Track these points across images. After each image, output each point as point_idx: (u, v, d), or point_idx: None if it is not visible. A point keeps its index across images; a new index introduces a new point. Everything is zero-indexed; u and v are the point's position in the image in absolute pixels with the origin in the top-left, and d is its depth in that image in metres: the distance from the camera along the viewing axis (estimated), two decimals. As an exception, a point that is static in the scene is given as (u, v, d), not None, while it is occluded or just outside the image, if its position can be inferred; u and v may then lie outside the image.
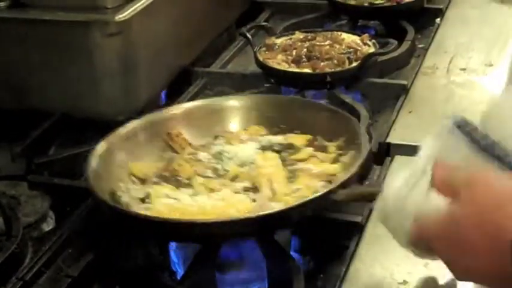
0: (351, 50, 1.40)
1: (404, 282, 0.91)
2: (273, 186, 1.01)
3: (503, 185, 0.72)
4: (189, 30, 1.47)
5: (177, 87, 1.44)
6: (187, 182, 1.05)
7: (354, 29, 1.57)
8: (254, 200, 0.99)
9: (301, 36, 1.47)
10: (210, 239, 0.95)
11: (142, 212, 0.97)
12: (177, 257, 1.02)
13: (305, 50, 1.41)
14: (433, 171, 0.78)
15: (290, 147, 1.12)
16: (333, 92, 1.34)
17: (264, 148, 1.12)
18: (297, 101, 1.24)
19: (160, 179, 1.07)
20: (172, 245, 1.02)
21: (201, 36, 1.54)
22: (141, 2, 1.29)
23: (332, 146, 1.11)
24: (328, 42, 1.43)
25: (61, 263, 0.98)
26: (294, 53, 1.41)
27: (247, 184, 1.04)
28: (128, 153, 1.10)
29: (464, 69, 1.44)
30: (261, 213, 0.94)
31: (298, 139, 1.14)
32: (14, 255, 0.96)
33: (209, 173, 1.07)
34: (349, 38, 1.45)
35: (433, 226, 0.75)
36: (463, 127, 0.77)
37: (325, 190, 0.96)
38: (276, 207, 0.96)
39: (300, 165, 1.08)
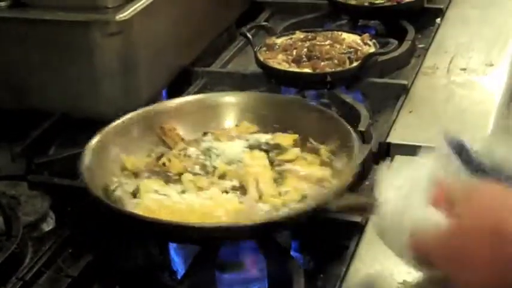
0: (352, 49, 1.40)
1: (405, 282, 0.91)
2: (259, 187, 1.02)
3: (501, 196, 0.72)
4: (189, 30, 1.47)
5: (177, 87, 1.44)
6: (177, 178, 1.05)
7: (354, 29, 1.57)
8: (241, 202, 1.00)
9: (302, 36, 1.47)
10: (208, 242, 0.95)
11: (132, 207, 0.98)
12: (177, 257, 1.02)
13: (305, 49, 1.41)
14: (430, 186, 0.78)
15: (277, 147, 1.11)
16: (333, 92, 1.34)
17: (251, 147, 1.12)
18: (294, 101, 1.24)
19: (150, 173, 1.07)
20: (173, 245, 1.02)
21: (201, 36, 1.54)
22: (142, 2, 1.29)
23: (324, 149, 1.10)
24: (328, 42, 1.43)
25: (61, 263, 0.98)
26: (294, 53, 1.41)
27: (234, 183, 1.04)
28: (121, 147, 1.10)
29: (464, 69, 1.44)
30: (260, 221, 0.94)
31: (284, 139, 1.13)
32: (14, 255, 0.96)
33: (197, 169, 1.07)
34: (349, 38, 1.45)
35: (432, 241, 0.75)
36: (459, 148, 0.78)
37: (324, 198, 0.96)
38: (263, 208, 0.97)
39: (288, 166, 1.07)
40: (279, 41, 1.47)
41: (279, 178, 1.05)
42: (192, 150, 1.11)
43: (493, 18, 1.65)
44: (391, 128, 1.25)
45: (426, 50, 1.54)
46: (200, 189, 1.03)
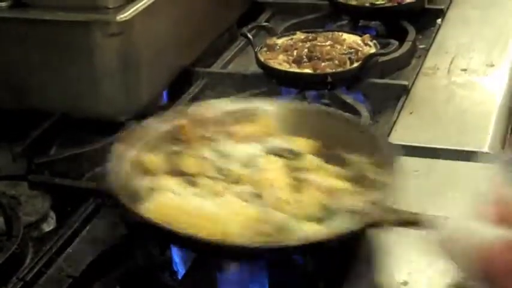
0: (352, 50, 1.40)
1: (405, 283, 0.91)
2: (275, 193, 0.99)
3: None
4: (190, 31, 1.47)
5: (178, 88, 1.45)
6: (193, 179, 1.04)
7: (355, 30, 1.57)
8: (256, 210, 0.97)
9: (302, 37, 1.47)
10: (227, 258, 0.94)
11: (147, 209, 0.96)
12: (177, 257, 1.01)
13: (306, 50, 1.41)
14: (490, 203, 0.76)
15: (295, 153, 1.07)
16: (333, 93, 1.34)
17: (268, 151, 1.09)
18: (331, 114, 1.16)
19: (168, 173, 1.05)
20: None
21: (201, 36, 1.54)
22: (143, 2, 1.29)
23: (351, 160, 1.04)
24: (329, 42, 1.43)
25: (62, 263, 0.98)
26: (295, 54, 1.40)
27: (249, 189, 1.01)
28: (142, 146, 1.06)
29: (465, 70, 1.44)
30: (279, 244, 0.90)
31: (303, 145, 1.09)
32: (14, 255, 0.96)
33: (213, 171, 1.05)
34: (350, 39, 1.45)
35: (499, 257, 0.72)
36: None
37: (378, 214, 0.91)
38: (279, 217, 0.93)
39: (305, 174, 1.03)
40: (279, 41, 1.47)
41: (295, 185, 1.00)
42: (208, 152, 1.09)
43: (493, 18, 1.65)
44: (391, 129, 1.25)
45: (427, 50, 1.54)
46: (216, 193, 0.99)
